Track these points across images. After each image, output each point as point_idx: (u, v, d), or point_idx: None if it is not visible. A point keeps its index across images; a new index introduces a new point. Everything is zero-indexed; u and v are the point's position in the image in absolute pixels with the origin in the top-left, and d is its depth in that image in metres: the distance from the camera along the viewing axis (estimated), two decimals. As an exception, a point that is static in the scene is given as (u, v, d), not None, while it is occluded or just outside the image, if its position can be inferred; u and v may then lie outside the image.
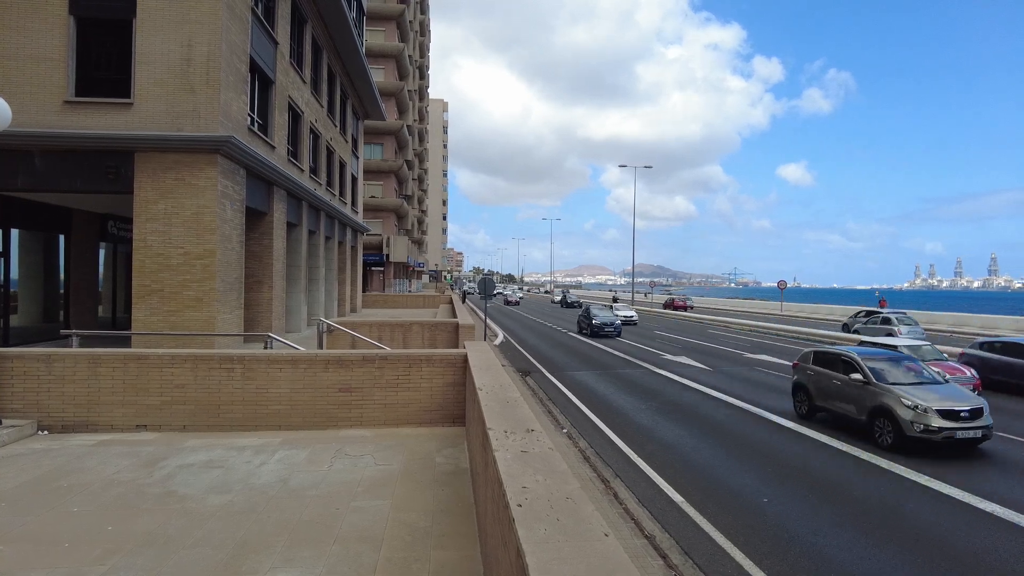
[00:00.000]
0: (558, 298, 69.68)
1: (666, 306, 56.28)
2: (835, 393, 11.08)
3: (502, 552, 2.76)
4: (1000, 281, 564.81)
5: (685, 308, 53.61)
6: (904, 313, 28.50)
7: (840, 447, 9.88)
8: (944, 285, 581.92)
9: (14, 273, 13.78)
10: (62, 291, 15.20)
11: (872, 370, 10.47)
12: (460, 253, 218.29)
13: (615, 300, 63.22)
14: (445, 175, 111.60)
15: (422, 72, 66.35)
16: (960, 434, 9.14)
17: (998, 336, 22.28)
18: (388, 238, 44.91)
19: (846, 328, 30.07)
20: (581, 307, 44.74)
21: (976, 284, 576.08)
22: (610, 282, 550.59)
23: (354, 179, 29.52)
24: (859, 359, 10.82)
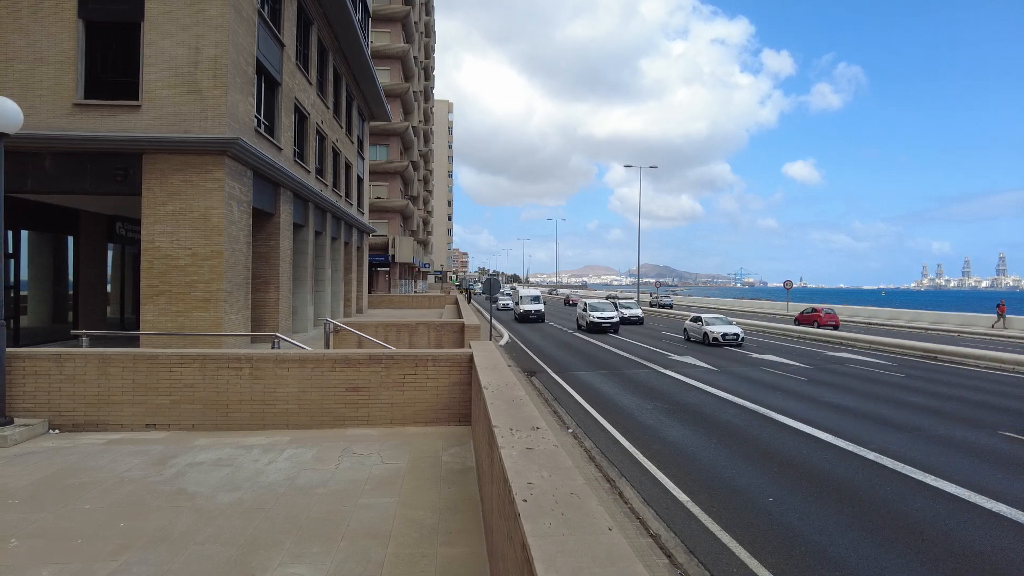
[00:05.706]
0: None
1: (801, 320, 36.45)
2: None
3: (507, 546, 2.79)
4: (1009, 281, 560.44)
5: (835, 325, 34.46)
6: None
7: (840, 444, 9.87)
8: (952, 285, 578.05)
9: (24, 274, 13.93)
10: (71, 292, 15.34)
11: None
12: (465, 254, 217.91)
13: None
14: (451, 175, 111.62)
15: (427, 73, 66.48)
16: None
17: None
18: (393, 239, 45.02)
19: None
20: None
21: (984, 284, 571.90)
22: (615, 283, 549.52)
23: (360, 180, 29.62)
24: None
